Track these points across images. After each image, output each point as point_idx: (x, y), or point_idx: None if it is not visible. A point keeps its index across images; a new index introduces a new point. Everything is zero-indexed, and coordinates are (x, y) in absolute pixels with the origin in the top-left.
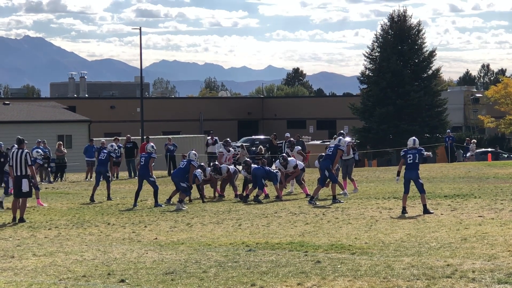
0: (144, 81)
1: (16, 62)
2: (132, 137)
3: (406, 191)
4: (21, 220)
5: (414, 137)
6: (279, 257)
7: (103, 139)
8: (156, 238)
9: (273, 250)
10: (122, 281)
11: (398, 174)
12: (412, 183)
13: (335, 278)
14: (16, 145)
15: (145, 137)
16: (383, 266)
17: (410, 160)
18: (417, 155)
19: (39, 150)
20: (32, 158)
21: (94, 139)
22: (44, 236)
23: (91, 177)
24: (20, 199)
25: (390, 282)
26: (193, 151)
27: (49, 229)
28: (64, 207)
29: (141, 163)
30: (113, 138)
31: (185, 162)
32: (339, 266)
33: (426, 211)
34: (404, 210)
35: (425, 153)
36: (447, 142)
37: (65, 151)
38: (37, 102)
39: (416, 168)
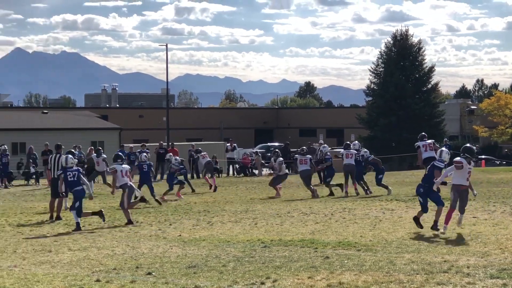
0: (169, 92)
1: (54, 75)
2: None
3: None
4: (58, 218)
5: (443, 149)
6: (291, 252)
7: (131, 145)
8: (180, 235)
9: (286, 246)
10: (149, 273)
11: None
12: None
13: (342, 272)
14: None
15: (170, 143)
16: (385, 262)
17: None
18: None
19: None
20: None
21: (124, 144)
22: (78, 232)
23: None
24: (57, 199)
25: (392, 276)
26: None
27: (83, 226)
28: (96, 206)
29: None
30: (140, 144)
31: None
32: (346, 262)
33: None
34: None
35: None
36: None
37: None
38: (72, 111)
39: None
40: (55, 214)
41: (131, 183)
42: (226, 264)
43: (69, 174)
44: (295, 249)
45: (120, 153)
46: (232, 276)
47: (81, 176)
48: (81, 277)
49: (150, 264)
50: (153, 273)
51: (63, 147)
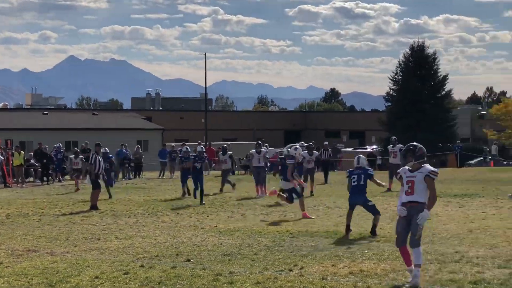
0: (208, 97)
1: (104, 80)
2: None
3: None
4: (94, 207)
5: (360, 155)
6: (317, 243)
7: (173, 144)
8: (216, 226)
9: (312, 237)
10: (188, 260)
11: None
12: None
13: (363, 261)
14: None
15: (208, 143)
16: None
17: (354, 182)
18: (362, 176)
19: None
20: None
21: (166, 144)
22: (124, 222)
23: (163, 175)
24: (95, 191)
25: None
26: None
27: (129, 217)
28: (141, 199)
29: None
30: (181, 144)
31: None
32: (366, 251)
33: (373, 231)
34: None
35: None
36: (456, 150)
37: (142, 153)
38: (120, 113)
39: (363, 192)
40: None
41: None
42: (258, 252)
43: None
44: (320, 239)
45: None
46: (263, 263)
47: None
48: (126, 263)
49: (189, 251)
50: (191, 260)
51: (102, 146)
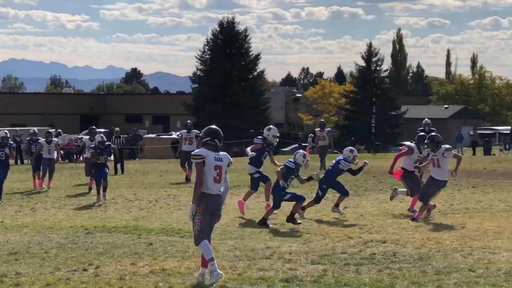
0: None
1: None
2: None
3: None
4: None
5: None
6: (114, 239)
7: None
8: (1, 221)
9: (110, 233)
10: None
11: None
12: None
13: (165, 259)
14: None
15: None
16: None
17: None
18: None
19: None
20: None
21: None
22: None
23: None
24: None
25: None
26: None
27: None
28: None
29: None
30: None
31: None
32: (169, 248)
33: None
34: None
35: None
36: None
37: None
38: None
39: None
40: None
41: None
42: (49, 250)
43: None
44: (118, 235)
45: None
46: (54, 262)
47: None
48: None
49: None
50: None
51: None
